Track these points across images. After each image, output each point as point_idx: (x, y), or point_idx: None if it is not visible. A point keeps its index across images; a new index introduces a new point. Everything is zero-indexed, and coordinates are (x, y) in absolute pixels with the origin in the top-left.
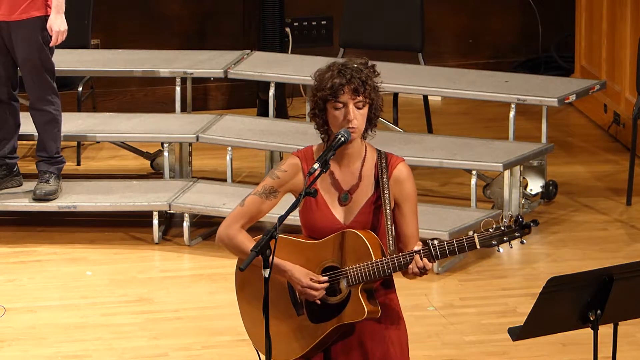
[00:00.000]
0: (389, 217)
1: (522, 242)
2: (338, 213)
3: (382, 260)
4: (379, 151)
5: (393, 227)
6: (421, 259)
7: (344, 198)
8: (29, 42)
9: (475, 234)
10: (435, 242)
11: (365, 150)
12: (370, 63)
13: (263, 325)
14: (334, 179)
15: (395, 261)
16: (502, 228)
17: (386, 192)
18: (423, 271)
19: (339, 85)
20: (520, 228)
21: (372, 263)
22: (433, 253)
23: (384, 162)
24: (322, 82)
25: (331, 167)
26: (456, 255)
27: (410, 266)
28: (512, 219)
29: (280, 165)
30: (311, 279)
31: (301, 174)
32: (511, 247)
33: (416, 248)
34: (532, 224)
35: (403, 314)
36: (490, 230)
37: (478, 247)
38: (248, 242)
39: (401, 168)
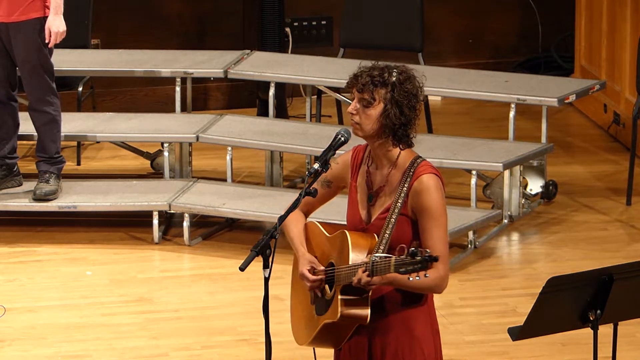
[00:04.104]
0: (390, 224)
1: (426, 276)
2: (364, 212)
3: (342, 267)
4: (415, 159)
5: (389, 235)
6: (363, 272)
7: (370, 198)
8: (28, 43)
9: (392, 257)
10: (377, 257)
11: (398, 157)
12: (406, 70)
13: (295, 311)
14: (369, 177)
15: (342, 271)
16: (410, 258)
17: (399, 200)
18: (358, 285)
19: (349, 78)
20: (422, 262)
21: (342, 267)
22: (371, 269)
23: (412, 171)
24: None
25: (370, 165)
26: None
27: (353, 277)
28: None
29: (337, 158)
30: (309, 269)
31: (349, 168)
32: (410, 279)
33: (365, 260)
34: (429, 259)
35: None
36: (403, 256)
37: (392, 271)
38: (293, 227)
39: (423, 180)
